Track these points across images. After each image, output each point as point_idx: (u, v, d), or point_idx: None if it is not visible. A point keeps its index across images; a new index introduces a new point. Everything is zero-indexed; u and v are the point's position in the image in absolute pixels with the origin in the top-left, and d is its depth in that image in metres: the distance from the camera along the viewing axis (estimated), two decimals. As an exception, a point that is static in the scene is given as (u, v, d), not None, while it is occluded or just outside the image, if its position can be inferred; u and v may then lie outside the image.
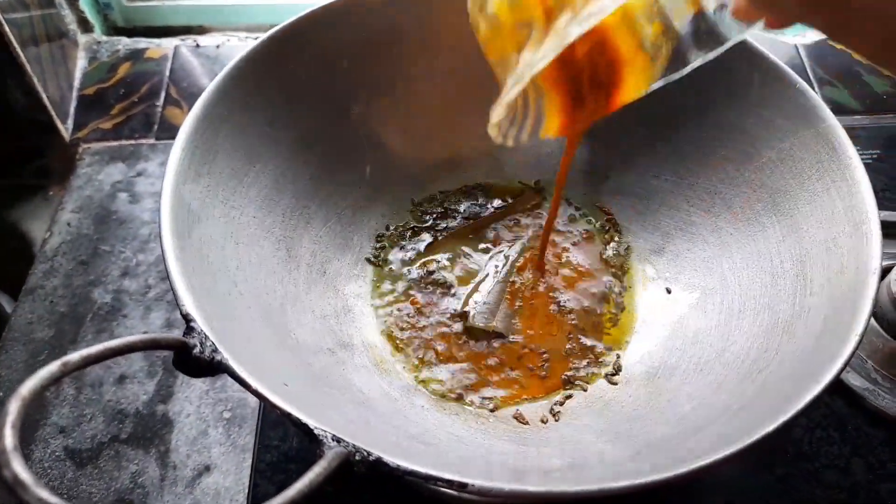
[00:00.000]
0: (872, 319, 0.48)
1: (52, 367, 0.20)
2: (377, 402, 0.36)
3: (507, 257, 0.48)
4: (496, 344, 0.44)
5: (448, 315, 0.45)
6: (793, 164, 0.38)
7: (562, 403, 0.40)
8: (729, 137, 0.43)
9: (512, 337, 0.44)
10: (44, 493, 0.17)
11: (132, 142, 0.65)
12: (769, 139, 0.40)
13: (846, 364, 0.27)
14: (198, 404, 0.48)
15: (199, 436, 0.46)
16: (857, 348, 0.28)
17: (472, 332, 0.44)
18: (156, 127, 0.66)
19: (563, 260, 0.48)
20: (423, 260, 0.48)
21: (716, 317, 0.39)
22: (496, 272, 0.47)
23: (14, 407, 0.19)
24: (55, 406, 0.47)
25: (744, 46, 0.41)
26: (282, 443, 0.45)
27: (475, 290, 0.46)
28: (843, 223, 0.34)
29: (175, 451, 0.46)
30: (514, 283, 0.47)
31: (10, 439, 0.18)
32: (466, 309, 0.45)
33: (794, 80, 0.39)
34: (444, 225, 0.50)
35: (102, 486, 0.44)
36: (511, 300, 0.46)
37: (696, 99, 0.44)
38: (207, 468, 0.45)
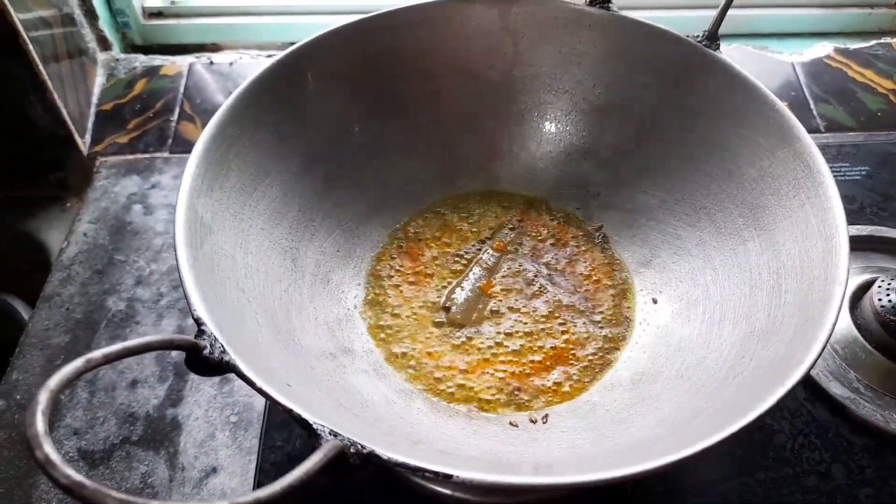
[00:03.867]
0: (856, 330, 0.50)
1: (77, 363, 0.23)
2: (376, 403, 0.38)
3: (489, 260, 0.50)
4: (477, 339, 0.46)
5: (435, 318, 0.47)
6: (771, 181, 0.40)
7: (548, 406, 0.42)
8: (713, 156, 0.45)
9: (492, 332, 0.46)
10: (70, 471, 0.19)
11: (147, 155, 0.67)
12: (750, 157, 0.42)
13: (809, 370, 0.29)
14: (206, 408, 0.50)
15: (206, 438, 0.48)
16: (820, 355, 0.29)
17: (453, 326, 0.47)
18: (170, 141, 0.68)
19: (555, 269, 0.50)
20: (417, 267, 0.50)
21: (698, 326, 0.41)
22: (478, 271, 0.49)
23: (44, 397, 0.21)
24: (69, 409, 0.49)
25: (726, 69, 0.43)
26: (285, 444, 0.47)
27: (457, 286, 0.49)
28: (815, 237, 0.36)
29: (184, 452, 0.47)
30: (495, 285, 0.49)
31: (41, 425, 0.20)
32: (447, 304, 0.48)
33: (772, 101, 0.41)
34: (441, 237, 0.52)
35: (113, 487, 0.45)
36: (492, 297, 0.48)
37: (683, 119, 0.46)
38: (214, 469, 0.47)
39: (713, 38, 0.44)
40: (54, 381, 0.21)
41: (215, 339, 0.28)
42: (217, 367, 0.28)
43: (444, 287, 0.49)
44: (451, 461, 0.33)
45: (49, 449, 0.19)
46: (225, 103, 0.39)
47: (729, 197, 0.43)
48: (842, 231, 0.34)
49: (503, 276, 0.49)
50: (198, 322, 0.29)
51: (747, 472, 0.45)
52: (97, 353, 0.23)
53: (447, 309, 0.47)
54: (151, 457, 0.47)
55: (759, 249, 0.40)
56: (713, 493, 0.45)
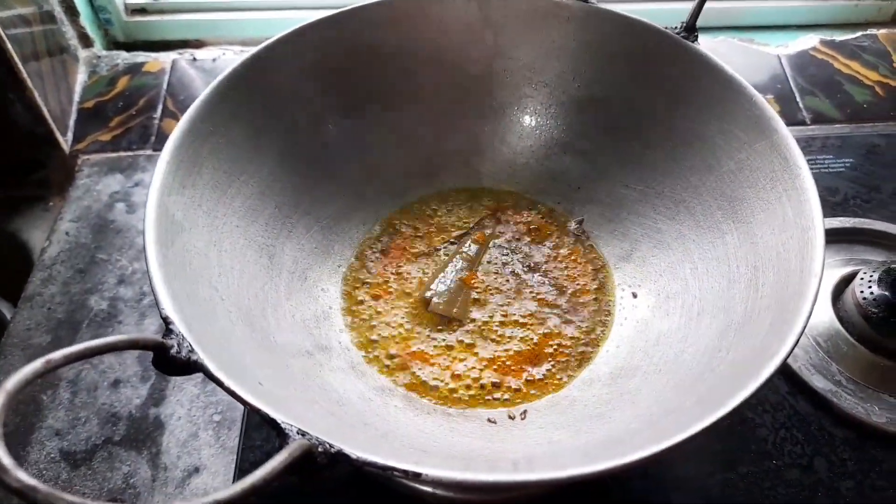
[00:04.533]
0: (838, 323, 0.50)
1: (36, 364, 0.22)
2: (353, 401, 0.38)
3: (470, 251, 0.50)
4: (456, 336, 0.46)
5: (414, 313, 0.47)
6: (749, 173, 0.40)
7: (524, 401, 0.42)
8: (692, 148, 0.45)
9: (471, 328, 0.46)
10: (22, 475, 0.19)
11: (130, 153, 0.67)
12: (729, 150, 0.42)
13: (783, 363, 0.29)
14: (189, 408, 0.49)
15: (189, 438, 0.48)
16: (794, 347, 0.29)
17: (435, 316, 0.46)
18: (153, 139, 0.68)
19: (535, 263, 0.50)
20: (397, 263, 0.50)
21: (677, 320, 0.41)
22: (460, 263, 0.49)
23: (-1, 399, 0.21)
24: (51, 409, 0.49)
25: (705, 61, 0.43)
26: (265, 443, 0.46)
27: (438, 278, 0.48)
28: (792, 229, 0.36)
29: (166, 452, 0.47)
30: (477, 277, 0.49)
31: (-7, 428, 0.20)
32: (427, 295, 0.47)
33: (750, 94, 0.40)
34: (421, 233, 0.52)
35: (95, 487, 0.45)
36: (474, 288, 0.48)
37: (662, 112, 0.46)
38: (197, 469, 0.46)
39: (691, 29, 0.44)
40: (11, 382, 0.21)
41: (183, 339, 0.28)
42: (185, 366, 0.28)
43: (424, 283, 0.48)
44: (428, 459, 0.33)
45: (0, 452, 0.19)
46: (197, 100, 0.39)
47: (708, 190, 0.43)
48: (818, 223, 0.34)
49: (484, 271, 0.49)
50: (165, 321, 0.29)
51: (729, 466, 0.45)
52: (57, 354, 0.23)
53: (427, 301, 0.47)
54: (134, 457, 0.47)
55: (737, 242, 0.40)
56: (695, 487, 0.44)
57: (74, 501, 0.19)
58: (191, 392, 0.50)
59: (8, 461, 0.19)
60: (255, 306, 0.39)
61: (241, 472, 0.45)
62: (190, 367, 0.28)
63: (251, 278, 0.40)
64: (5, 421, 0.22)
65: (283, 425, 0.26)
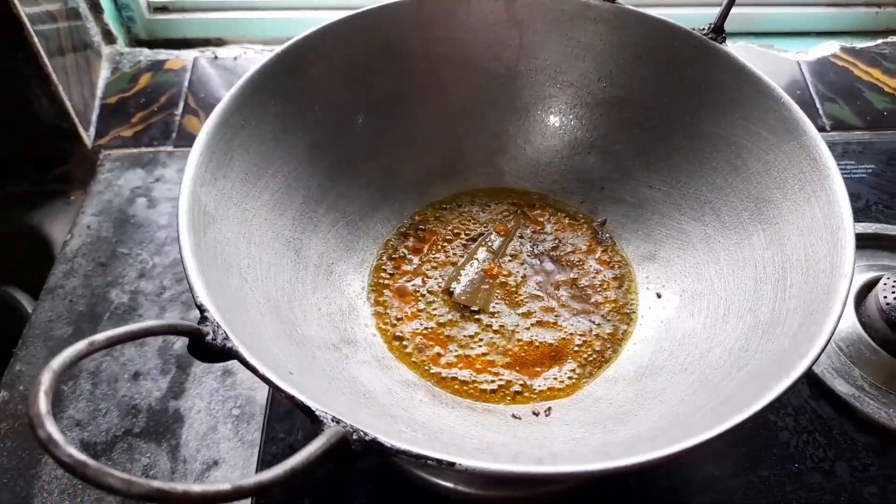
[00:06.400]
0: (860, 328, 0.49)
1: (80, 346, 0.23)
2: (378, 394, 0.38)
3: (492, 243, 0.50)
4: (480, 331, 0.46)
5: (438, 309, 0.47)
6: (777, 174, 0.40)
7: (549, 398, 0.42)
8: (718, 149, 0.45)
9: (496, 324, 0.46)
10: (73, 451, 0.19)
11: (151, 149, 0.67)
12: (755, 151, 0.42)
13: (814, 362, 0.29)
14: (208, 401, 0.50)
15: (208, 431, 0.48)
16: (825, 347, 0.29)
17: (458, 310, 0.47)
18: (174, 135, 0.69)
19: (559, 262, 0.50)
20: (421, 259, 0.50)
21: (702, 320, 0.41)
22: (483, 254, 0.50)
23: (46, 378, 0.21)
24: (72, 400, 0.49)
25: (732, 62, 0.43)
26: (287, 435, 0.47)
27: (461, 269, 0.49)
28: (821, 231, 0.36)
29: (185, 445, 0.47)
30: (500, 267, 0.49)
31: (43, 405, 0.20)
32: (450, 286, 0.48)
33: (778, 95, 0.40)
34: (444, 230, 0.52)
35: (115, 477, 0.46)
36: (496, 278, 0.48)
37: (688, 112, 0.46)
38: (216, 462, 0.47)
39: (719, 31, 0.44)
40: (57, 361, 0.21)
41: (218, 326, 0.28)
42: (219, 353, 0.28)
43: (447, 278, 0.49)
44: (454, 452, 0.33)
45: (52, 428, 0.19)
46: (229, 93, 0.39)
47: (734, 191, 0.43)
48: (847, 224, 0.34)
49: (507, 266, 0.49)
50: (200, 309, 0.29)
51: (751, 468, 0.45)
52: (100, 336, 0.23)
53: (451, 292, 0.47)
54: (153, 449, 0.47)
55: (764, 243, 0.40)
56: (717, 489, 0.44)
57: (122, 477, 0.19)
58: (210, 386, 0.51)
59: (59, 436, 0.19)
60: (282, 298, 0.39)
61: (263, 464, 0.46)
62: (224, 354, 0.28)
63: (279, 271, 0.40)
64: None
65: (317, 413, 0.26)
